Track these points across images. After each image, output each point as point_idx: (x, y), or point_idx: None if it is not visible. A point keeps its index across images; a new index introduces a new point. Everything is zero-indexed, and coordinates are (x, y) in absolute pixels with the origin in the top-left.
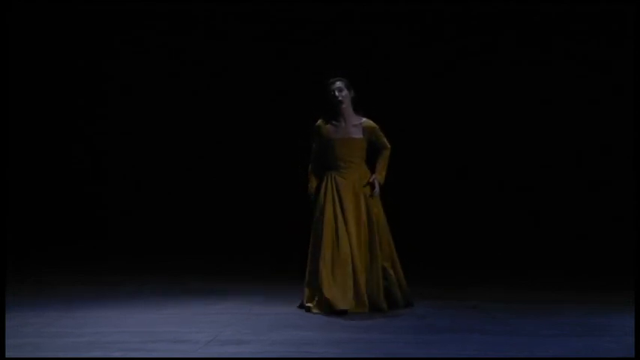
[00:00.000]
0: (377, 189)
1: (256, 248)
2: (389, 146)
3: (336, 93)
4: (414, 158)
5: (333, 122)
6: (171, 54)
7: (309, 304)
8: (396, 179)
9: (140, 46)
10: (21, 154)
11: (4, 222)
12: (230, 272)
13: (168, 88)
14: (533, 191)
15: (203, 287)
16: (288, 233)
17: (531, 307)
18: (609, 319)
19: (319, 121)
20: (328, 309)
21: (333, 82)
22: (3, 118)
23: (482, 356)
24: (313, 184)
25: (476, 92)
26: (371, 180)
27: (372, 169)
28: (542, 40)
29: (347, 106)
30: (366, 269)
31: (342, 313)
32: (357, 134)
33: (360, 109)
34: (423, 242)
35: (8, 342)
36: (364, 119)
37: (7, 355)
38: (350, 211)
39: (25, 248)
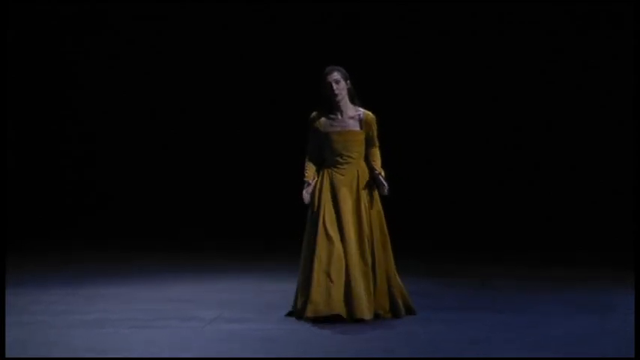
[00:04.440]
0: (386, 186)
1: (261, 230)
2: (378, 144)
3: (334, 85)
4: (425, 143)
5: (329, 115)
6: (167, 49)
7: (302, 309)
8: (406, 163)
9: (132, 43)
10: (19, 146)
11: (4, 207)
12: (236, 252)
13: (168, 87)
14: (537, 174)
15: (208, 266)
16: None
17: (540, 285)
18: (616, 297)
19: (314, 113)
20: (322, 313)
21: (330, 73)
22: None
23: (496, 336)
24: (310, 172)
25: (477, 91)
26: (377, 176)
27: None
28: (546, 40)
29: (343, 99)
30: (365, 272)
31: (335, 319)
32: (355, 127)
33: (357, 100)
34: (431, 222)
35: (18, 319)
36: (362, 110)
37: (19, 337)
38: (348, 211)
39: (26, 234)
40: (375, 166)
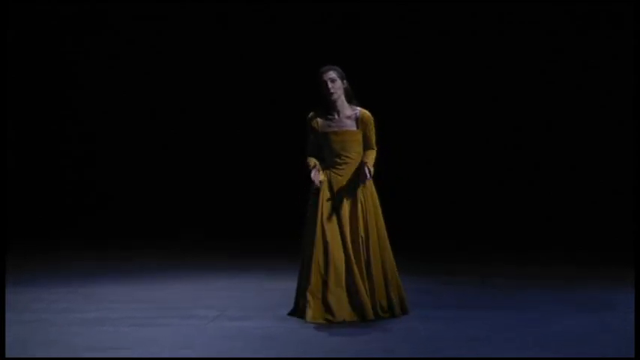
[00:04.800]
0: (368, 175)
1: (262, 229)
2: (375, 148)
3: (329, 84)
4: (425, 143)
5: (326, 115)
6: (167, 49)
7: (303, 312)
8: (406, 163)
9: (132, 43)
10: (19, 146)
11: (4, 208)
12: (237, 251)
13: (168, 87)
14: (537, 172)
15: (210, 264)
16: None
17: (539, 284)
18: (616, 296)
19: (311, 114)
20: (319, 319)
21: (326, 72)
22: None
23: (496, 334)
24: (312, 160)
25: (477, 91)
26: (363, 164)
27: None
28: (546, 40)
29: (340, 98)
30: (362, 273)
31: (336, 323)
32: (352, 126)
33: (354, 100)
34: (429, 219)
35: (19, 317)
36: (359, 109)
37: (20, 335)
38: (346, 212)
39: (26, 234)
40: (365, 159)
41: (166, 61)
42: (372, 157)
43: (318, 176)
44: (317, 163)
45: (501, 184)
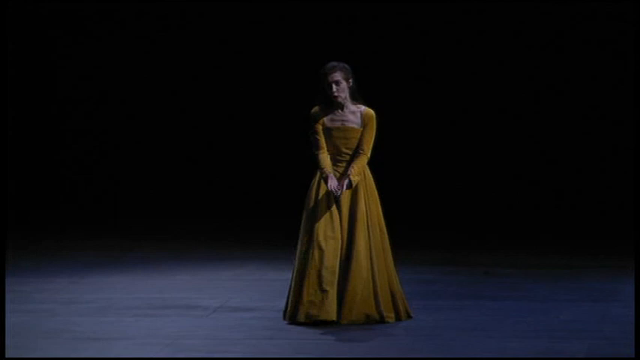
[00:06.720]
0: (343, 189)
1: (265, 215)
2: (368, 154)
3: (334, 87)
4: (425, 143)
5: (330, 110)
6: (167, 48)
7: (295, 312)
8: (411, 145)
9: (133, 43)
10: (19, 146)
11: (4, 204)
12: (240, 239)
13: (168, 87)
14: (540, 161)
15: (213, 253)
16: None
17: (543, 273)
18: (620, 284)
19: (315, 109)
20: (317, 317)
21: (331, 72)
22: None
23: (495, 321)
24: (325, 168)
25: (477, 91)
26: (344, 179)
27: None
28: (546, 40)
29: (344, 98)
30: (362, 275)
31: (331, 323)
32: (355, 124)
33: (359, 96)
34: (433, 208)
35: (22, 307)
36: (364, 107)
37: (23, 324)
38: (345, 210)
39: (25, 230)
40: (351, 169)
41: (166, 61)
42: (358, 165)
43: (335, 183)
44: (330, 168)
45: (501, 184)
